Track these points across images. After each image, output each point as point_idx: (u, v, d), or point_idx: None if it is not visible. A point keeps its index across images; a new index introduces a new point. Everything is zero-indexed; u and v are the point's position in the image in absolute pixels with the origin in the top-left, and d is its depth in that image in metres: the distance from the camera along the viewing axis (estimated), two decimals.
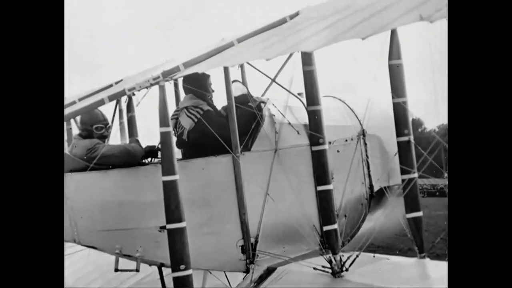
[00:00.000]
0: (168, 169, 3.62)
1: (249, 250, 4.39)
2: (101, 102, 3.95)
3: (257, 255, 4.41)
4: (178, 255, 3.61)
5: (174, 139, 4.85)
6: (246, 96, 5.02)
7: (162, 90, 3.81)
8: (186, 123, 4.99)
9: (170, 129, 3.73)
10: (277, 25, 4.79)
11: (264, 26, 4.75)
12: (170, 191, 3.65)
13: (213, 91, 5.21)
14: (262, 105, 4.95)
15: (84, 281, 6.21)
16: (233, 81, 4.92)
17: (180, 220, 3.65)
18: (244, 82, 5.62)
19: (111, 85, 5.47)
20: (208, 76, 5.11)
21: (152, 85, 3.82)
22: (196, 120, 4.95)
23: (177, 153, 4.86)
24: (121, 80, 5.54)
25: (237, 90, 5.02)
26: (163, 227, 3.96)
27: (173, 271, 3.66)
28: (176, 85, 5.35)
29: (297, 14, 4.76)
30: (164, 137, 3.62)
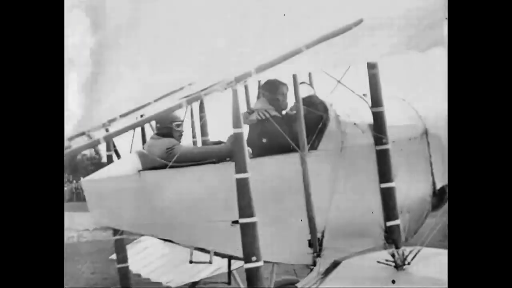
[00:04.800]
0: (240, 167, 3.82)
1: (316, 244, 4.60)
2: (179, 106, 4.20)
3: (324, 249, 4.60)
4: (250, 247, 3.82)
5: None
6: (314, 97, 5.26)
7: (235, 93, 4.03)
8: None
9: (242, 130, 3.95)
10: (341, 32, 4.94)
11: (329, 33, 4.90)
12: (242, 188, 3.84)
13: (284, 99, 5.43)
14: (328, 106, 5.16)
15: (159, 272, 6.47)
16: (301, 83, 5.12)
17: (251, 215, 3.85)
18: (311, 84, 5.90)
19: (182, 88, 5.73)
20: (283, 84, 5.36)
21: (226, 89, 4.05)
22: (257, 121, 5.21)
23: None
24: (191, 84, 5.78)
25: (305, 91, 5.26)
26: (235, 222, 4.15)
27: (245, 262, 3.86)
28: (246, 89, 5.74)
29: (361, 21, 4.94)
30: (237, 137, 3.83)
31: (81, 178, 4.69)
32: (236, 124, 3.85)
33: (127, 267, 5.64)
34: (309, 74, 5.77)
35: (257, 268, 3.80)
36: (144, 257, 6.68)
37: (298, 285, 4.55)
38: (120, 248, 5.52)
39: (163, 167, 4.61)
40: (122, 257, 5.57)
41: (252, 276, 3.76)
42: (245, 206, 3.85)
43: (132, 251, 6.63)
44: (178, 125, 5.15)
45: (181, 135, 5.19)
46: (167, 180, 4.61)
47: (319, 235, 4.64)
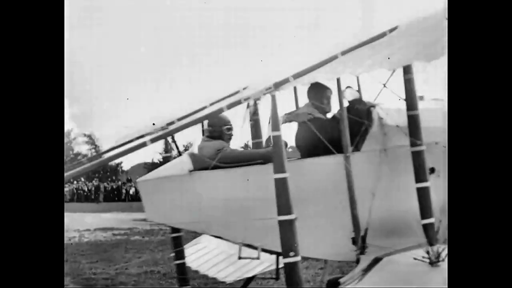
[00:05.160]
0: (279, 167, 4.03)
1: (359, 242, 4.76)
2: (220, 110, 4.49)
3: (367, 247, 4.75)
4: (288, 243, 4.00)
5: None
6: (359, 100, 5.44)
7: (273, 99, 4.28)
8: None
9: (281, 132, 4.15)
10: (377, 39, 5.20)
11: (366, 39, 5.18)
12: (281, 187, 4.04)
13: (329, 103, 5.66)
14: (372, 109, 5.35)
15: (216, 269, 6.76)
16: (347, 87, 5.34)
17: (289, 212, 4.03)
18: (359, 88, 6.09)
19: (237, 92, 6.01)
20: (327, 88, 5.59)
21: (265, 94, 4.30)
22: (301, 123, 5.43)
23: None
24: (247, 87, 6.03)
25: (350, 95, 5.44)
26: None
27: (284, 257, 4.06)
28: (295, 92, 5.99)
29: (395, 28, 5.08)
30: (276, 140, 4.05)
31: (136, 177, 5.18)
32: (275, 127, 4.05)
33: (184, 263, 5.86)
34: (357, 78, 5.95)
35: (295, 263, 3.97)
36: (203, 255, 6.94)
37: (341, 280, 4.66)
38: (178, 245, 5.75)
39: (213, 167, 4.92)
40: (179, 254, 5.79)
41: (290, 270, 3.94)
42: (283, 204, 4.03)
43: (192, 249, 6.95)
44: (228, 129, 5.48)
45: (230, 138, 5.50)
46: (216, 180, 4.91)
47: (362, 233, 4.78)
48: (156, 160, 67.78)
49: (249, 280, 6.73)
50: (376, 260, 4.59)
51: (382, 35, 5.19)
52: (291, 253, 3.99)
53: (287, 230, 4.04)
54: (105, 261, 12.22)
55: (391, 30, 5.18)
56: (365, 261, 4.64)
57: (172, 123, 5.51)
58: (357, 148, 5.05)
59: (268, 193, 4.32)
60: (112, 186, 50.06)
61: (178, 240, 5.72)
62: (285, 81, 4.25)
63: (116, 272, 10.60)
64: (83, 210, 28.96)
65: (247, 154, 5.17)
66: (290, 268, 3.97)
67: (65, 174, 3.77)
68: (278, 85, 4.19)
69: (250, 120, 6.08)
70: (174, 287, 9.43)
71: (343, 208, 4.78)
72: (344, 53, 4.93)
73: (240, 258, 4.96)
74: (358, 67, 4.71)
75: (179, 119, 5.57)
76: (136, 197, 48.92)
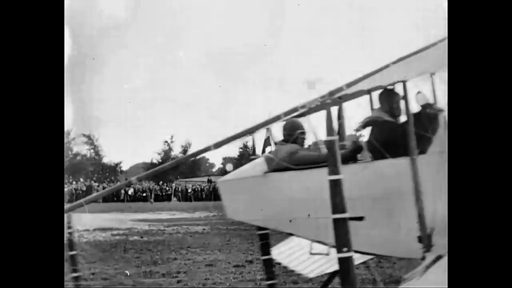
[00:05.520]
0: (333, 170, 4.28)
1: (426, 240, 4.89)
2: (278, 118, 4.91)
3: (433, 245, 4.87)
4: (342, 239, 4.23)
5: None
6: (429, 105, 5.62)
7: (328, 106, 4.51)
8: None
9: (335, 137, 4.40)
10: (426, 48, 5.46)
11: (415, 50, 5.49)
12: (335, 188, 4.28)
13: (398, 107, 5.87)
14: (439, 113, 5.47)
15: (303, 265, 7.17)
16: (418, 92, 5.53)
17: (343, 211, 4.23)
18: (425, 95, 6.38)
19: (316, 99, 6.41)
20: (396, 94, 5.80)
21: (320, 102, 4.58)
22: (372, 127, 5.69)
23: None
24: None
25: (422, 100, 5.65)
26: (354, 218, 4.60)
27: (338, 252, 4.29)
28: (370, 98, 6.22)
29: (445, 39, 5.28)
30: (330, 144, 4.29)
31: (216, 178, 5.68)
32: (329, 132, 4.33)
33: (270, 259, 6.16)
34: (404, 85, 6.22)
35: (348, 258, 4.18)
36: (294, 252, 7.32)
37: (405, 276, 4.84)
38: (264, 242, 6.10)
39: (286, 169, 5.30)
40: (266, 250, 6.12)
41: (343, 264, 4.18)
42: (337, 203, 4.25)
43: (284, 247, 7.30)
44: (302, 133, 5.76)
45: (303, 142, 5.77)
46: (289, 181, 5.29)
47: (428, 231, 4.93)
48: (154, 161, 67.87)
49: (332, 275, 7.07)
50: (438, 258, 4.71)
51: (432, 44, 5.42)
52: (345, 249, 4.19)
53: (340, 228, 4.25)
54: (103, 261, 12.22)
55: (441, 40, 5.39)
56: (429, 258, 4.79)
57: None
58: (423, 151, 5.20)
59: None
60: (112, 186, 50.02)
61: (265, 237, 6.04)
62: (339, 89, 4.55)
63: (115, 272, 10.60)
64: (82, 210, 28.87)
65: (317, 157, 5.41)
66: (344, 263, 4.21)
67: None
68: (333, 93, 4.49)
69: (338, 120, 6.35)
70: (174, 287, 9.46)
71: (410, 208, 4.94)
72: (395, 62, 5.23)
73: (311, 254, 5.30)
74: (409, 72, 4.96)
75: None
76: (135, 198, 48.99)
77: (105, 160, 64.65)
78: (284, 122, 5.68)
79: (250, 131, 5.25)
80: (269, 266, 6.13)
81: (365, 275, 8.57)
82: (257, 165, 5.52)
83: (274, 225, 5.49)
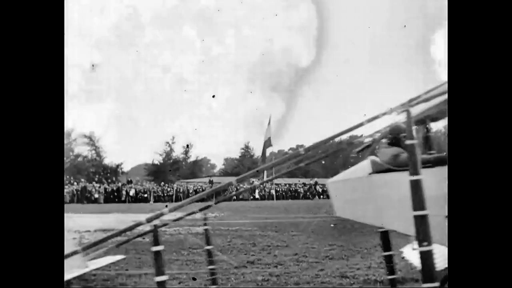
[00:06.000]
0: (413, 171, 4.55)
1: None
2: (360, 124, 5.03)
3: None
4: (423, 234, 4.47)
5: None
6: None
7: (408, 113, 4.77)
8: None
9: (415, 141, 4.65)
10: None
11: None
12: (415, 187, 4.53)
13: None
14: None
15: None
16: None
17: (422, 208, 4.46)
18: None
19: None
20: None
21: (398, 114, 4.83)
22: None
23: None
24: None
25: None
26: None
27: (419, 246, 4.51)
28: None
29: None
30: (411, 148, 4.58)
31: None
32: (409, 137, 4.63)
33: (391, 255, 6.52)
34: None
35: (429, 251, 4.39)
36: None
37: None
38: (385, 240, 6.49)
39: (389, 170, 5.66)
40: (387, 246, 6.50)
41: (424, 257, 4.40)
42: (417, 202, 4.47)
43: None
44: (405, 136, 5.91)
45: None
46: (392, 181, 5.60)
47: None
48: (156, 162, 67.88)
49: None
50: None
51: None
52: (425, 243, 4.41)
53: (421, 224, 4.46)
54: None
55: None
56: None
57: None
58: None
59: (437, 192, 4.70)
60: (112, 187, 50.10)
61: (385, 235, 6.45)
62: (417, 97, 4.69)
63: (116, 272, 10.60)
64: (83, 211, 29.03)
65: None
66: (425, 256, 4.42)
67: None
68: (411, 101, 4.71)
69: (427, 133, 6.74)
70: (173, 287, 9.45)
71: None
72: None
73: (413, 249, 5.42)
74: None
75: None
76: (136, 199, 49.04)
77: (106, 161, 64.76)
78: (389, 126, 5.98)
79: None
80: (390, 262, 6.50)
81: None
82: (363, 167, 5.89)
83: (378, 223, 5.86)
